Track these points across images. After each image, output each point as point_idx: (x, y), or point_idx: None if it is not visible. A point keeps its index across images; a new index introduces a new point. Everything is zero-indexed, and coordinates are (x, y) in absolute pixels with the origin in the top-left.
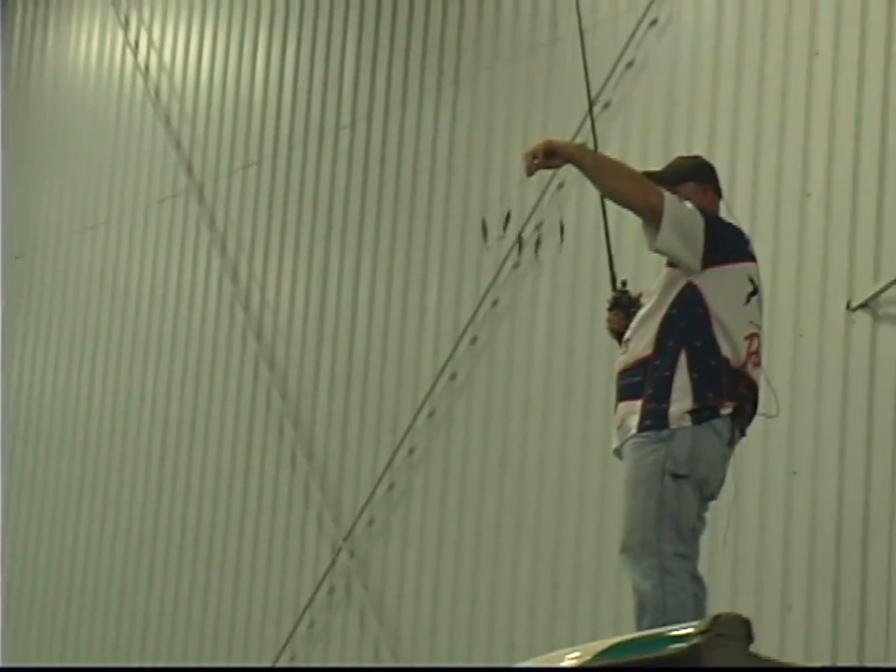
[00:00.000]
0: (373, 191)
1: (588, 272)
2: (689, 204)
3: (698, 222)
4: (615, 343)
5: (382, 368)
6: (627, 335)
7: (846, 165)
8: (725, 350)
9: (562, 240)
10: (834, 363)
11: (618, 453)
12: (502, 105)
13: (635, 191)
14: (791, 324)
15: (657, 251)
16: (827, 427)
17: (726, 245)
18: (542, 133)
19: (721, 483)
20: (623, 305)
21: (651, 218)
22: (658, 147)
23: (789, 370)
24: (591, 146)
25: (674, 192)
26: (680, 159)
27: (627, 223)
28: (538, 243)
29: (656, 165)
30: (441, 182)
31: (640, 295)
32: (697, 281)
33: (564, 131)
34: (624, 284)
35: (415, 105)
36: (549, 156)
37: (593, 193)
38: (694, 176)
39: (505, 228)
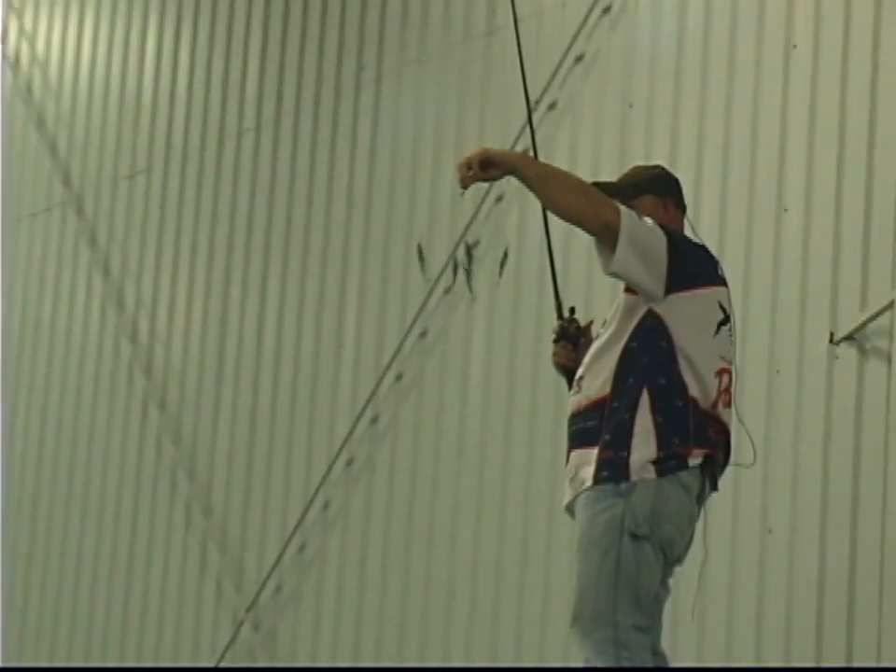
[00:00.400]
0: (281, 205)
1: (531, 297)
2: (649, 221)
3: (660, 241)
4: (563, 380)
5: (291, 409)
6: (580, 372)
7: (828, 175)
8: (693, 389)
9: (502, 266)
10: (816, 404)
11: (570, 509)
12: (432, 105)
13: (586, 206)
14: (766, 358)
15: (613, 274)
16: (807, 479)
17: (692, 267)
18: (478, 139)
19: (689, 544)
20: (571, 336)
21: (606, 237)
22: (612, 155)
23: (763, 412)
24: (533, 153)
25: (630, 207)
26: (638, 169)
27: (576, 241)
28: (469, 264)
29: (610, 176)
30: (362, 193)
31: (590, 324)
32: (660, 309)
33: (504, 136)
34: (572, 312)
35: (330, 104)
36: (486, 166)
37: (536, 207)
38: (654, 189)
39: (421, 260)
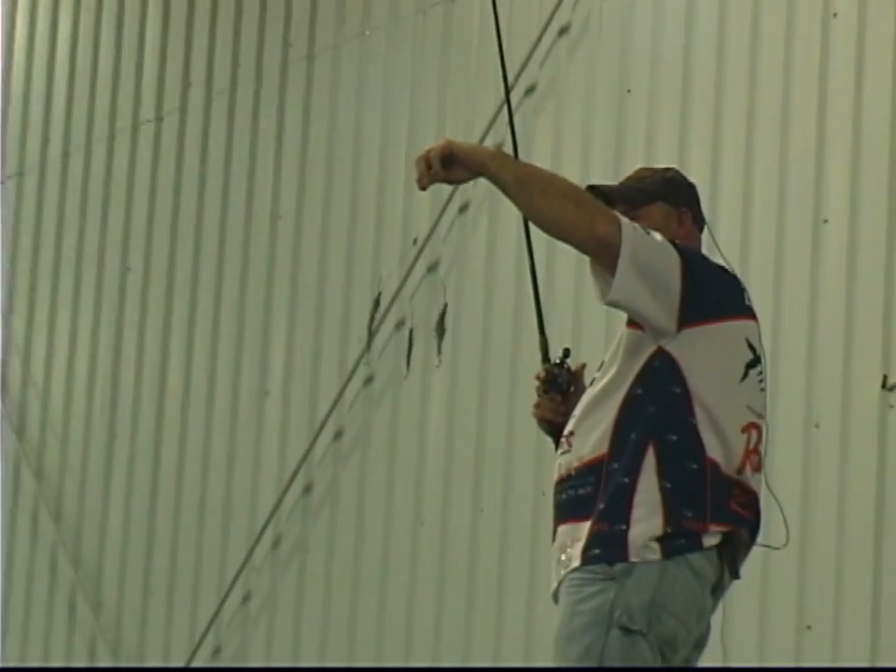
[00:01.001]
0: (189, 212)
1: (504, 336)
2: (657, 236)
3: (672, 262)
4: (549, 439)
5: (202, 477)
6: (570, 427)
7: (878, 177)
8: (712, 448)
9: (440, 337)
10: (865, 465)
11: (556, 597)
12: (377, 88)
13: (576, 216)
14: (802, 409)
15: (612, 303)
16: (855, 562)
17: (713, 295)
18: (437, 130)
19: (699, 643)
20: (561, 385)
21: (603, 256)
22: (604, 154)
23: (799, 477)
24: (510, 150)
25: (634, 219)
26: (645, 171)
27: (564, 259)
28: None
29: (602, 179)
30: (290, 202)
31: (583, 368)
32: (671, 346)
33: (469, 126)
34: (566, 354)
35: (250, 90)
36: (449, 164)
37: (512, 217)
38: (666, 196)
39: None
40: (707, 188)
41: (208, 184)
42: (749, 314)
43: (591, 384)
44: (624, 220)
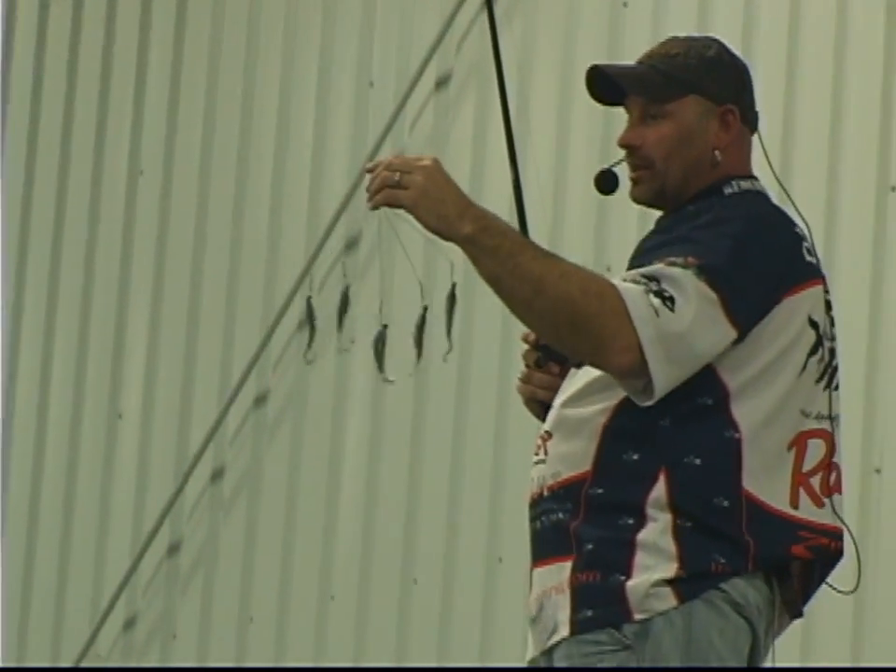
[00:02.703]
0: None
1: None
2: (687, 299)
3: (713, 327)
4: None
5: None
6: (547, 425)
7: None
8: (752, 475)
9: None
10: None
11: (543, 661)
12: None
13: (576, 343)
14: (859, 447)
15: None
16: None
17: (767, 283)
18: (360, 57)
19: None
20: (559, 352)
21: (628, 381)
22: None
23: (857, 524)
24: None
25: (656, 117)
26: (676, 44)
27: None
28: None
29: (586, 117)
30: (157, 145)
31: None
32: None
33: (404, 61)
34: None
35: None
36: (394, 197)
37: None
38: (704, 86)
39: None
40: None
41: (42, 121)
42: (811, 275)
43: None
44: (642, 329)
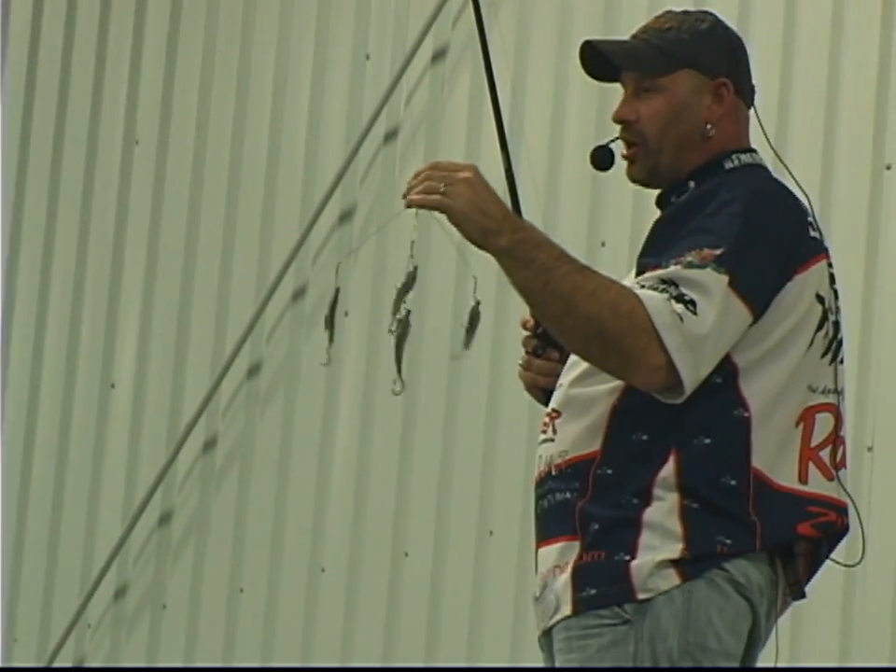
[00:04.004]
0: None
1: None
2: (695, 275)
3: (735, 317)
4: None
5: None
6: (554, 402)
7: None
8: (760, 453)
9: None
10: None
11: (545, 643)
12: None
13: (605, 359)
14: (851, 429)
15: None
16: None
17: (777, 263)
18: (357, 32)
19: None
20: (556, 341)
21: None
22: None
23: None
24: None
25: (649, 91)
26: (669, 18)
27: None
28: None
29: (578, 91)
30: (152, 115)
31: None
32: None
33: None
34: None
35: None
36: (440, 204)
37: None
38: (698, 60)
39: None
40: None
41: (38, 96)
42: (817, 250)
43: None
44: (668, 339)
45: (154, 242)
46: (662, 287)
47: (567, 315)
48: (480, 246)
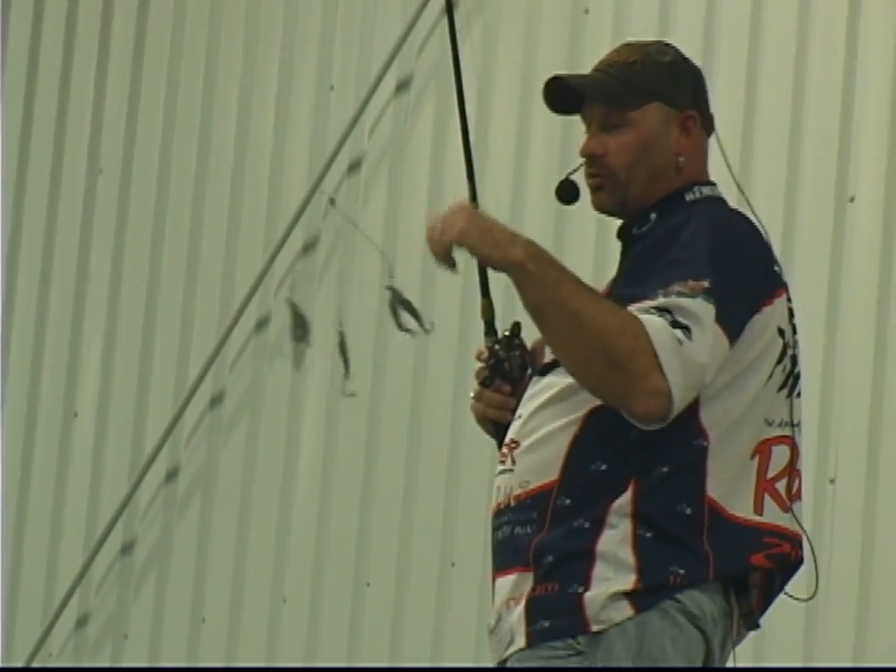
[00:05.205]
0: None
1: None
2: (689, 303)
3: (720, 350)
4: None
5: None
6: (512, 433)
7: None
8: (716, 482)
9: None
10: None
11: None
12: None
13: (606, 381)
14: (814, 461)
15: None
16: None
17: (747, 299)
18: (322, 51)
19: None
20: (510, 372)
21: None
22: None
23: (811, 534)
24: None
25: (616, 127)
26: (632, 51)
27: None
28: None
29: (545, 130)
30: (115, 142)
31: (538, 348)
32: None
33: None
34: (516, 330)
35: None
36: (445, 241)
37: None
38: (666, 93)
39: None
40: None
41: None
42: (779, 284)
43: (550, 366)
44: (667, 361)
45: (117, 270)
46: (658, 314)
47: (575, 331)
48: (494, 262)
